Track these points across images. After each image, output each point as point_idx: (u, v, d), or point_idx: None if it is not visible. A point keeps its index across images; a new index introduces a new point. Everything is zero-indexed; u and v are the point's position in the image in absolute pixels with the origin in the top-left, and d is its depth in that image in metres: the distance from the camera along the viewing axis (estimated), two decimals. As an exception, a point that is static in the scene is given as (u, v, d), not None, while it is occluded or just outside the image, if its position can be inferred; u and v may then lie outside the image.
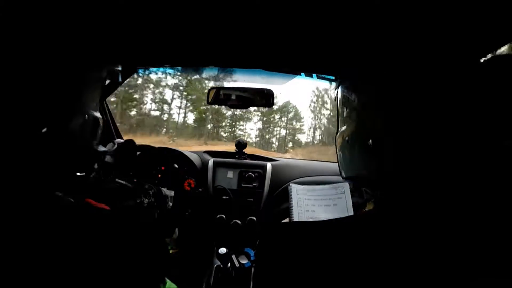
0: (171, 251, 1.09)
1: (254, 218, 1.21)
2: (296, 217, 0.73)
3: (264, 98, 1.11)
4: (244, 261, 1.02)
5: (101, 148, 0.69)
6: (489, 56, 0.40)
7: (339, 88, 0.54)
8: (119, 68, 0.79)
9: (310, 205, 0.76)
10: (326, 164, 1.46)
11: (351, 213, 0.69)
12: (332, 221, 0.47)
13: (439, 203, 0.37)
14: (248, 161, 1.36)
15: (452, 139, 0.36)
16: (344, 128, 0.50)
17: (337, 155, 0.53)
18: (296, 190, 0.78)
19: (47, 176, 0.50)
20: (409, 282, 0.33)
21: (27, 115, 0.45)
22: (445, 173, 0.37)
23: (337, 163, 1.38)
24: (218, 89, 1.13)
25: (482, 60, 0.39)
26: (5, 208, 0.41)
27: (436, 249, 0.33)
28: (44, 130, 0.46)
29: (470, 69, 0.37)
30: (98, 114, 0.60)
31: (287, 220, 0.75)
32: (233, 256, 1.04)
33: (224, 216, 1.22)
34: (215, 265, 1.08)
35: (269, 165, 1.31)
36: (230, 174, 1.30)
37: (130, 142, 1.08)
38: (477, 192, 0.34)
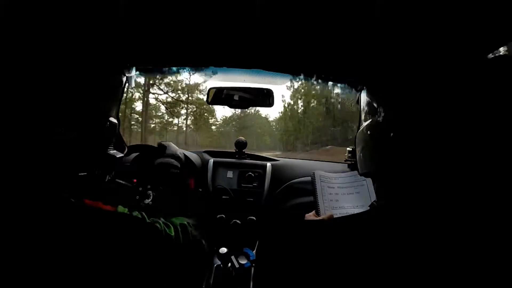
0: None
1: (254, 218, 1.21)
2: (322, 207, 0.69)
3: (264, 97, 1.11)
4: (243, 261, 1.02)
5: (119, 155, 0.69)
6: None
7: (363, 89, 0.54)
8: (134, 72, 0.79)
9: (333, 193, 0.72)
10: (327, 164, 1.46)
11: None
12: (334, 220, 0.47)
13: (457, 202, 0.36)
14: (248, 161, 1.36)
15: (473, 137, 0.36)
16: (366, 123, 0.50)
17: (356, 151, 0.53)
18: (320, 177, 0.74)
19: (56, 178, 0.50)
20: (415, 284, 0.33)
21: (46, 119, 0.46)
22: (465, 172, 0.36)
23: (337, 163, 1.39)
24: (218, 89, 1.13)
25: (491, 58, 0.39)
26: (10, 208, 0.41)
27: (446, 248, 0.33)
28: (61, 131, 0.47)
29: (484, 67, 0.37)
30: (115, 120, 0.61)
31: (311, 213, 0.70)
32: (233, 257, 1.04)
33: (224, 216, 1.22)
34: (215, 265, 1.08)
35: (269, 165, 1.31)
36: (230, 174, 1.30)
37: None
38: (492, 192, 0.34)
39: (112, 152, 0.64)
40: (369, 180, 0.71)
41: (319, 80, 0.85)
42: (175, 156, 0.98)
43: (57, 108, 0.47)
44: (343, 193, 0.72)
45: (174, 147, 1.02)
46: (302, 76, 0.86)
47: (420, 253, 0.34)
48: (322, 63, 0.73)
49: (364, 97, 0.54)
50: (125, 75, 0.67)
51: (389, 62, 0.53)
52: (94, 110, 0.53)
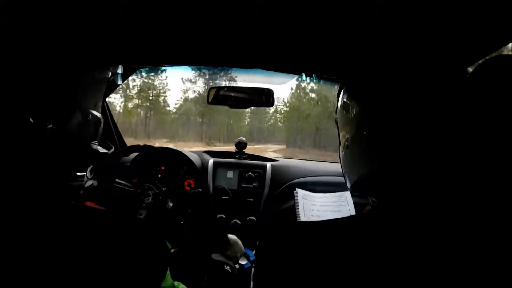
0: (172, 250, 1.09)
1: (254, 218, 1.20)
2: (302, 219, 0.77)
3: (264, 97, 1.11)
4: (243, 261, 1.02)
5: (102, 150, 0.69)
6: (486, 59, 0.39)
7: (341, 92, 0.53)
8: (121, 69, 0.79)
9: (315, 210, 0.80)
10: (327, 164, 1.46)
11: None
12: (332, 220, 0.47)
13: (440, 204, 0.37)
14: (248, 161, 1.36)
15: (452, 142, 0.36)
16: (343, 133, 0.50)
17: (340, 164, 0.53)
18: (302, 195, 0.81)
19: (46, 176, 0.50)
20: (412, 283, 0.33)
21: (28, 113, 0.45)
22: (445, 175, 0.37)
23: (337, 163, 1.39)
24: (218, 89, 1.13)
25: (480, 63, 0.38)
26: (5, 208, 0.41)
27: (438, 249, 0.33)
28: (50, 125, 0.47)
29: (473, 74, 0.37)
30: (99, 115, 0.60)
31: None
32: (232, 258, 1.04)
33: (224, 216, 1.22)
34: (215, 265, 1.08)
35: (269, 165, 1.31)
36: (230, 174, 1.30)
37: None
38: (477, 194, 0.34)
39: (96, 147, 0.63)
40: (350, 200, 0.78)
41: (321, 81, 0.85)
42: (234, 259, 0.91)
43: (33, 97, 0.46)
44: (325, 211, 0.80)
45: (241, 246, 0.92)
46: (303, 76, 0.85)
47: (410, 259, 0.34)
48: (323, 63, 0.73)
49: (340, 98, 0.53)
50: (110, 71, 0.66)
51: (390, 62, 0.52)
52: (74, 102, 0.53)
